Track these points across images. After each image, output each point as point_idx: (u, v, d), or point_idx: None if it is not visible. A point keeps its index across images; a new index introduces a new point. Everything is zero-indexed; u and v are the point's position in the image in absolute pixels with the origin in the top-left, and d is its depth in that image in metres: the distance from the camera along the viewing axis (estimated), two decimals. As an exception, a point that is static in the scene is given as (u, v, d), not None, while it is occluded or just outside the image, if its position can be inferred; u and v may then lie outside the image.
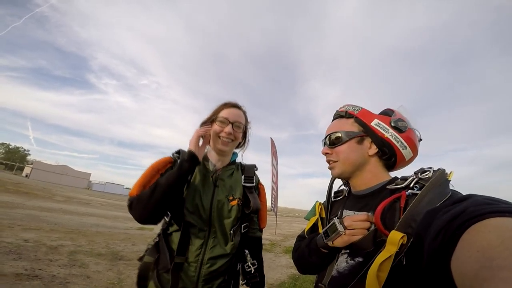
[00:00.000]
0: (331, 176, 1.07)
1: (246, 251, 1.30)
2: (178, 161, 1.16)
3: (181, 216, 1.17)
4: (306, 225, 1.11)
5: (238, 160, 1.43)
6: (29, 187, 17.05)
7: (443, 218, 0.51)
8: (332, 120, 1.05)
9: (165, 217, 1.20)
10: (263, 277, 1.35)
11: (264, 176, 1.30)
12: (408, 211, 0.68)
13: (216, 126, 1.25)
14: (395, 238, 0.64)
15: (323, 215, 1.05)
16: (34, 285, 3.01)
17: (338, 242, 0.81)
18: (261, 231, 1.40)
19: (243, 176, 1.33)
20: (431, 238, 0.51)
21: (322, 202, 1.11)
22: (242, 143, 1.41)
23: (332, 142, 0.96)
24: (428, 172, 0.77)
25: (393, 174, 0.96)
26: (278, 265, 6.31)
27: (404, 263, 0.64)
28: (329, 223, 0.91)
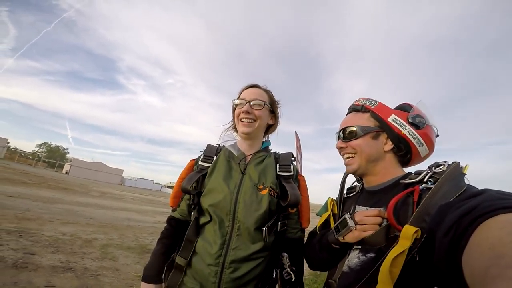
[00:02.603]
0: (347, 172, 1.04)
1: (285, 255, 1.10)
2: (201, 157, 1.20)
3: (199, 211, 1.12)
4: (318, 221, 1.08)
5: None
6: (68, 183, 18.42)
7: (455, 213, 0.50)
8: (347, 113, 1.02)
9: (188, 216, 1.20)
10: (303, 286, 1.14)
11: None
12: (422, 205, 0.67)
13: (236, 110, 1.19)
14: (409, 232, 0.63)
15: (336, 211, 1.03)
16: (67, 277, 3.24)
17: (349, 237, 0.79)
18: (303, 231, 1.19)
19: (277, 164, 1.18)
20: (442, 234, 0.51)
21: (335, 198, 1.08)
22: (273, 126, 1.30)
23: (347, 136, 0.94)
24: (442, 166, 0.75)
25: (407, 170, 0.93)
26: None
27: (418, 258, 0.63)
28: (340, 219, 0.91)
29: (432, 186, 0.70)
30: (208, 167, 1.16)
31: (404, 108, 0.91)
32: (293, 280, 1.06)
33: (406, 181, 0.81)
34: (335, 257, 0.91)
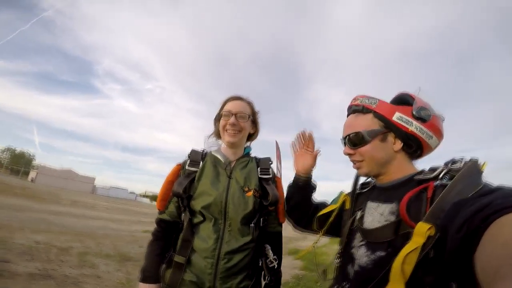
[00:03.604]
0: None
1: (268, 246, 1.26)
2: (187, 162, 1.26)
3: (191, 212, 1.19)
4: (323, 210, 1.08)
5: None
6: (35, 191, 17.28)
7: (468, 210, 0.49)
8: (348, 115, 0.99)
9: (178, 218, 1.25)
10: (281, 273, 1.30)
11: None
12: (437, 202, 0.65)
13: (221, 121, 1.27)
14: (422, 229, 0.61)
15: (347, 207, 1.01)
16: (48, 285, 3.11)
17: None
18: (281, 225, 1.34)
19: (258, 168, 1.31)
20: (454, 231, 0.50)
21: (348, 193, 1.07)
22: (254, 134, 1.41)
23: (354, 142, 0.90)
24: (459, 163, 0.73)
25: (419, 162, 0.93)
26: (282, 266, 6.36)
27: (431, 256, 0.61)
28: (353, 215, 0.94)
29: (448, 183, 0.68)
30: (195, 171, 1.24)
31: (405, 101, 0.87)
32: (275, 267, 1.24)
33: (420, 177, 0.79)
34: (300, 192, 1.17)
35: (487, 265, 0.39)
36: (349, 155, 0.94)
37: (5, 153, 61.35)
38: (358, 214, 0.91)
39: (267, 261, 1.23)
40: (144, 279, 1.18)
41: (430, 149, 0.88)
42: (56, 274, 3.47)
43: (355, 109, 0.94)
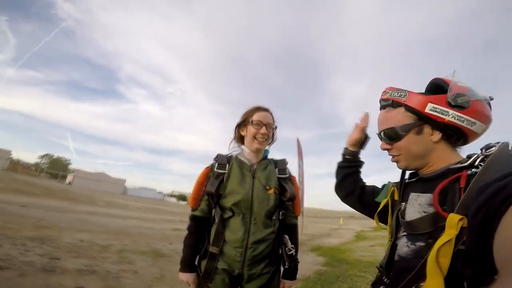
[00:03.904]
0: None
1: (286, 236, 1.42)
2: (215, 165, 1.41)
3: (221, 208, 1.36)
4: (378, 208, 1.05)
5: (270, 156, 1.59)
6: (74, 194, 18.64)
7: (486, 193, 0.47)
8: (380, 109, 0.97)
9: (208, 214, 1.43)
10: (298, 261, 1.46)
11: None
12: (468, 191, 0.63)
13: (252, 129, 1.43)
14: (453, 220, 0.59)
15: (396, 198, 0.98)
16: (93, 279, 3.48)
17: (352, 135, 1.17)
18: (296, 218, 1.52)
19: (276, 169, 1.48)
20: (471, 215, 0.48)
21: (396, 183, 1.04)
22: (272, 141, 1.57)
23: (388, 137, 0.89)
24: (494, 148, 0.69)
25: (468, 147, 0.87)
26: (304, 262, 6.44)
27: (462, 248, 0.59)
28: (399, 206, 0.91)
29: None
30: (223, 173, 1.40)
31: (439, 87, 0.82)
32: (293, 255, 1.40)
33: (456, 166, 0.76)
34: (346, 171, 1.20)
35: (503, 253, 0.37)
36: (386, 150, 0.93)
37: (44, 158, 66.45)
38: (403, 205, 0.89)
39: (286, 249, 1.39)
40: (183, 269, 1.39)
41: (475, 135, 0.81)
42: (100, 270, 3.86)
43: (384, 104, 0.92)
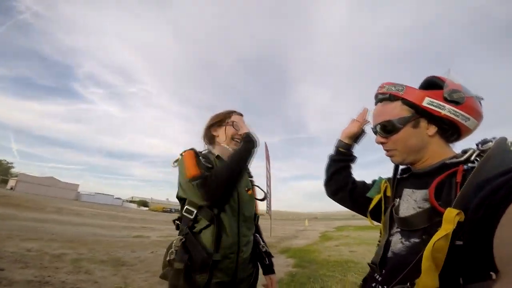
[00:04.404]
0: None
1: (257, 235, 1.44)
2: (199, 155, 1.27)
3: (215, 210, 1.21)
4: (371, 204, 1.02)
5: None
6: (17, 199, 16.65)
7: (487, 190, 0.46)
8: (375, 103, 0.96)
9: (189, 215, 1.20)
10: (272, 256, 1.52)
11: (258, 180, 1.50)
12: (465, 186, 0.62)
13: (231, 130, 1.40)
14: (451, 215, 0.58)
15: (388, 194, 0.97)
16: (46, 291, 3.11)
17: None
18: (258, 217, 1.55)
19: (247, 172, 1.48)
20: (471, 212, 0.47)
21: (388, 179, 1.03)
22: None
23: (385, 130, 0.88)
24: (490, 143, 0.70)
25: (460, 144, 0.88)
26: (275, 265, 6.47)
27: (462, 243, 0.57)
28: (392, 202, 0.91)
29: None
30: (211, 167, 1.26)
31: (435, 84, 0.83)
32: (268, 251, 1.45)
33: (451, 161, 0.76)
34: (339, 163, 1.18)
35: (504, 251, 0.36)
36: (382, 143, 0.92)
37: (-19, 161, 58.63)
38: (397, 201, 0.88)
39: (261, 247, 1.42)
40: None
41: (468, 131, 0.83)
42: (53, 281, 3.44)
43: (381, 98, 0.91)
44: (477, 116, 0.81)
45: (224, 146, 1.41)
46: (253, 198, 1.40)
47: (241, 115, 1.49)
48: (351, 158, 1.21)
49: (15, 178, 46.21)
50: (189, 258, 1.13)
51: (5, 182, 47.43)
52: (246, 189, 1.37)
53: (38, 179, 47.08)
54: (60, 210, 16.02)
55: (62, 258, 4.67)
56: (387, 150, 0.92)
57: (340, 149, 1.19)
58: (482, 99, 0.83)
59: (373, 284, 0.83)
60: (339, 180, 1.18)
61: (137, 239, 8.47)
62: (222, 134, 1.42)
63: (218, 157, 1.36)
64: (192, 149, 1.33)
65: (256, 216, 1.43)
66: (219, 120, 1.45)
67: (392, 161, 0.93)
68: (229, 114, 1.45)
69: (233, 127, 1.40)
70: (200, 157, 1.28)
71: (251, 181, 1.49)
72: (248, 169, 1.51)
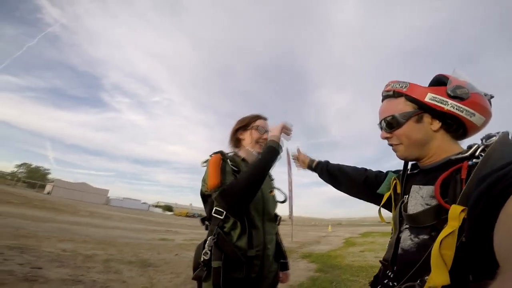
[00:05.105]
0: None
1: (279, 235, 1.51)
2: (227, 158, 1.30)
3: (244, 211, 1.23)
4: (382, 201, 1.05)
5: None
6: (54, 203, 17.83)
7: (485, 183, 0.45)
8: (382, 100, 0.98)
9: (219, 215, 1.21)
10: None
11: (280, 186, 1.52)
12: (469, 182, 0.62)
13: (256, 134, 1.46)
14: (455, 212, 0.59)
15: (398, 190, 0.97)
16: (79, 289, 3.30)
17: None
18: None
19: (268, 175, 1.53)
20: (471, 206, 0.47)
21: (397, 175, 1.03)
22: None
23: (389, 125, 0.90)
24: (494, 138, 0.70)
25: (468, 141, 0.88)
26: (296, 269, 6.37)
27: (464, 240, 0.57)
28: (401, 199, 0.91)
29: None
30: (238, 171, 1.31)
31: (440, 81, 0.85)
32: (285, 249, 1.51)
33: (455, 157, 0.76)
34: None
35: (504, 246, 0.36)
36: (386, 138, 0.94)
37: (21, 168, 63.45)
38: (406, 198, 0.89)
39: (282, 246, 1.48)
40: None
41: (475, 127, 0.81)
42: (85, 279, 3.65)
43: (386, 95, 0.94)
44: (484, 112, 0.80)
45: (249, 150, 1.47)
46: (275, 200, 1.47)
47: (266, 119, 1.56)
48: (324, 168, 1.41)
49: (52, 183, 49.47)
50: (224, 256, 1.14)
51: (43, 187, 50.94)
52: (269, 191, 1.44)
53: (72, 185, 50.09)
54: (92, 213, 16.94)
55: (93, 258, 4.93)
56: (392, 146, 0.93)
57: (316, 172, 1.48)
58: (492, 97, 0.83)
59: (385, 281, 0.84)
60: (340, 183, 1.32)
61: (162, 242, 8.73)
62: (247, 138, 1.48)
63: (244, 160, 1.43)
64: (220, 152, 1.36)
65: (277, 217, 1.47)
66: (245, 124, 1.51)
67: (398, 156, 0.94)
68: (254, 118, 1.51)
69: (257, 131, 1.47)
70: (228, 160, 1.31)
71: (272, 184, 1.55)
72: (269, 173, 1.55)
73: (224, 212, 1.21)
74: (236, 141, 1.53)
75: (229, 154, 1.45)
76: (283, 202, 1.53)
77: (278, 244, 1.46)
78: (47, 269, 3.77)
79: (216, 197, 1.14)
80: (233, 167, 1.31)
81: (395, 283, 0.78)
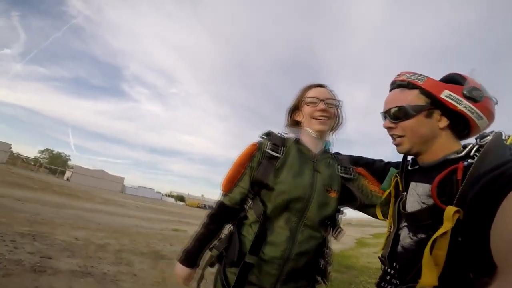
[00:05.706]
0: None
1: (328, 249, 1.14)
2: (267, 144, 1.09)
3: (263, 204, 1.06)
4: (382, 197, 1.05)
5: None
6: (71, 189, 18.28)
7: (480, 183, 0.47)
8: (390, 90, 0.94)
9: (245, 205, 1.11)
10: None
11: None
12: (464, 183, 0.63)
13: (307, 108, 1.14)
14: (450, 213, 0.60)
15: (400, 188, 0.96)
16: (88, 282, 3.13)
17: None
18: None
19: (339, 166, 1.15)
20: (467, 207, 0.48)
21: (398, 171, 1.01)
22: (338, 122, 1.23)
23: (396, 116, 0.87)
24: (488, 137, 0.71)
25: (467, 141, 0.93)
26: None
27: (460, 240, 0.60)
28: (400, 196, 0.92)
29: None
30: (277, 157, 1.08)
31: (456, 80, 0.83)
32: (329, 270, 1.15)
33: (451, 156, 0.78)
34: None
35: (501, 247, 0.35)
36: (389, 129, 0.91)
37: (43, 153, 66.15)
38: (404, 195, 0.89)
39: (326, 264, 1.12)
40: (184, 261, 1.14)
41: (478, 129, 0.84)
42: (95, 271, 3.51)
43: (400, 84, 0.90)
44: (490, 117, 0.81)
45: (307, 129, 1.15)
46: (332, 201, 1.08)
47: (322, 86, 1.20)
48: None
49: (71, 170, 51.25)
50: (225, 248, 1.09)
51: (63, 173, 52.92)
52: (329, 189, 1.08)
53: (90, 172, 51.63)
54: (107, 201, 17.25)
55: (106, 248, 4.83)
56: (394, 137, 0.91)
57: None
58: (496, 103, 0.84)
59: (388, 277, 0.85)
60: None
61: (174, 233, 8.67)
62: (301, 117, 1.18)
63: (297, 141, 1.17)
64: (255, 144, 1.13)
65: (326, 225, 1.13)
66: (297, 102, 1.21)
67: (398, 150, 0.92)
68: (305, 91, 1.20)
69: (309, 105, 1.13)
70: (266, 149, 1.09)
71: (345, 179, 1.13)
72: (347, 162, 1.19)
73: (251, 202, 1.09)
74: (293, 124, 1.25)
75: (291, 135, 1.22)
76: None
77: (317, 258, 1.11)
78: (57, 259, 3.65)
79: (217, 203, 1.18)
80: (272, 153, 1.07)
81: (398, 282, 0.80)
